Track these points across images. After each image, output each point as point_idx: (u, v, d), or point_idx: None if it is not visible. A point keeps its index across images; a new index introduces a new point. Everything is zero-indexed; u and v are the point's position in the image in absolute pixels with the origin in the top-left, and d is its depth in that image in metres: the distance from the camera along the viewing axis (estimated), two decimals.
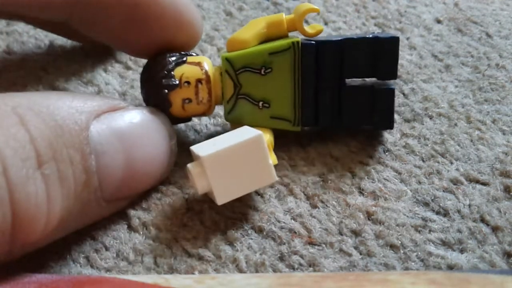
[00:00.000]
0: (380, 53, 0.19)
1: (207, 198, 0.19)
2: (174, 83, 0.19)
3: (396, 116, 0.22)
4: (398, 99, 0.23)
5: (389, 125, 0.20)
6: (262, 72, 0.19)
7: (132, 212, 0.18)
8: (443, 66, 0.25)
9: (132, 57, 0.25)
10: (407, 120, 0.22)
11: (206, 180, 0.17)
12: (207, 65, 0.19)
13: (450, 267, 0.17)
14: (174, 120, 0.19)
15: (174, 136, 0.18)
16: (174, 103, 0.19)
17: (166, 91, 0.19)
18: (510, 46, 0.26)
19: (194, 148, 0.17)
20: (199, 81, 0.19)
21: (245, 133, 0.17)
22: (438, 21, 0.28)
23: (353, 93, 0.20)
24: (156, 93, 0.19)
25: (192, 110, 0.19)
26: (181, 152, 0.20)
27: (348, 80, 0.20)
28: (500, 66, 0.25)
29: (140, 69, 0.24)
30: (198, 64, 0.19)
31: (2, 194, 0.13)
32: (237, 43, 0.19)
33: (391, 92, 0.20)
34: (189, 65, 0.19)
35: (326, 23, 0.28)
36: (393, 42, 0.19)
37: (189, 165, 0.17)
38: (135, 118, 0.17)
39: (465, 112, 0.22)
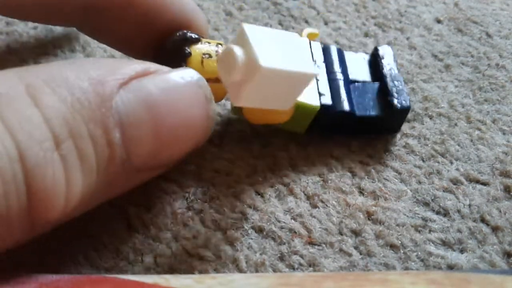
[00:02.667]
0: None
1: (208, 198, 0.19)
2: (195, 36, 0.18)
3: None
4: None
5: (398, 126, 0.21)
6: None
7: (132, 211, 0.18)
8: (443, 66, 0.25)
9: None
10: (407, 120, 0.22)
11: (241, 79, 0.15)
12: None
13: (450, 267, 0.17)
14: None
15: (211, 98, 0.17)
16: (193, 55, 0.18)
17: (186, 42, 0.18)
18: (510, 46, 0.26)
19: (249, 35, 0.15)
20: (219, 43, 0.19)
21: (303, 57, 0.16)
22: (438, 21, 0.28)
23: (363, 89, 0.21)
24: (174, 45, 0.18)
25: (211, 69, 0.18)
26: None
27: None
28: (500, 66, 0.25)
29: None
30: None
31: (18, 180, 0.12)
32: None
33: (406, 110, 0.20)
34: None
35: (326, 23, 0.28)
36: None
37: (237, 52, 0.15)
38: (167, 82, 0.16)
39: (465, 112, 0.22)
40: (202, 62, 0.18)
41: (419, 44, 0.26)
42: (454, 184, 0.20)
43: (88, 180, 0.14)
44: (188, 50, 0.18)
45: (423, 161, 0.20)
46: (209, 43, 0.19)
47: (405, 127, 0.22)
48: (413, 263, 0.17)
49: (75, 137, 0.13)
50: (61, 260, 0.17)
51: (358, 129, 0.21)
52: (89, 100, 0.14)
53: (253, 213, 0.18)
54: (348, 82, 0.21)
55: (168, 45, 0.18)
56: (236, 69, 0.15)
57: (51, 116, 0.13)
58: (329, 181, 0.20)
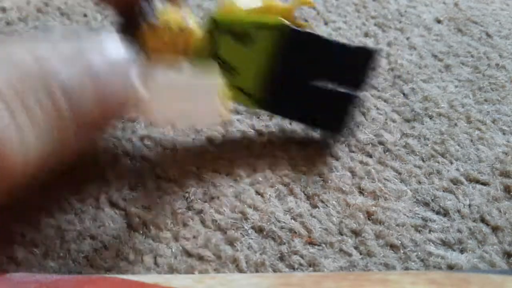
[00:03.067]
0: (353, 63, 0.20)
1: (208, 198, 0.19)
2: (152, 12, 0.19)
3: (396, 116, 0.22)
4: (398, 99, 0.23)
5: (338, 130, 0.20)
6: (243, 41, 0.19)
7: (132, 211, 0.18)
8: (443, 66, 0.25)
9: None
10: (407, 120, 0.22)
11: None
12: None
13: (450, 267, 0.17)
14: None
15: (136, 60, 0.18)
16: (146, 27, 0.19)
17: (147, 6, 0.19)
18: (510, 46, 0.26)
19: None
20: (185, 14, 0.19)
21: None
22: (438, 21, 0.28)
23: (317, 93, 0.20)
24: (135, 19, 0.19)
25: (171, 38, 0.19)
26: (184, 153, 0.20)
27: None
28: (500, 66, 0.25)
29: None
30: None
31: None
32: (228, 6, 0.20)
33: (352, 99, 0.20)
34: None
35: (326, 23, 0.28)
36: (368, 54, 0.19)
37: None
38: (102, 52, 0.18)
39: (465, 112, 0.22)
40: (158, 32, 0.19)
41: (419, 44, 0.26)
42: (454, 184, 0.20)
43: (40, 143, 0.15)
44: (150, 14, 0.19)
45: (423, 161, 0.20)
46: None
47: (405, 127, 0.22)
48: (413, 263, 0.17)
49: (26, 105, 0.15)
50: (61, 260, 0.17)
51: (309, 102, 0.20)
52: (36, 72, 0.16)
53: (253, 213, 0.18)
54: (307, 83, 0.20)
55: (128, 20, 0.19)
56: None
57: (2, 86, 0.15)
58: (329, 181, 0.20)
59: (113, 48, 0.18)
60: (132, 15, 0.19)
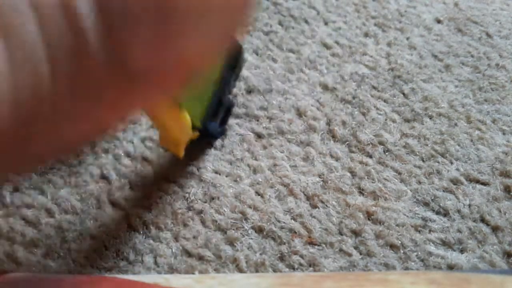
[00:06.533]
0: None
1: (208, 198, 0.19)
2: None
3: (396, 116, 0.22)
4: (398, 99, 0.23)
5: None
6: None
7: (132, 211, 0.18)
8: (443, 66, 0.25)
9: None
10: (407, 120, 0.22)
11: None
12: None
13: (450, 267, 0.17)
14: None
15: None
16: None
17: None
18: (510, 46, 0.26)
19: None
20: None
21: None
22: (438, 21, 0.28)
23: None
24: None
25: None
26: (184, 154, 0.20)
27: None
28: (500, 66, 0.25)
29: None
30: None
31: None
32: None
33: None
34: None
35: (326, 23, 0.28)
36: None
37: None
38: None
39: (465, 112, 0.22)
40: None
41: (419, 44, 0.26)
42: (454, 184, 0.20)
43: (27, 78, 0.08)
44: None
45: (423, 161, 0.20)
46: None
47: (405, 127, 0.22)
48: (413, 263, 0.17)
49: None
50: (61, 260, 0.17)
51: None
52: None
53: (253, 213, 0.18)
54: None
55: None
56: None
57: None
58: (329, 181, 0.20)
59: None
60: None
